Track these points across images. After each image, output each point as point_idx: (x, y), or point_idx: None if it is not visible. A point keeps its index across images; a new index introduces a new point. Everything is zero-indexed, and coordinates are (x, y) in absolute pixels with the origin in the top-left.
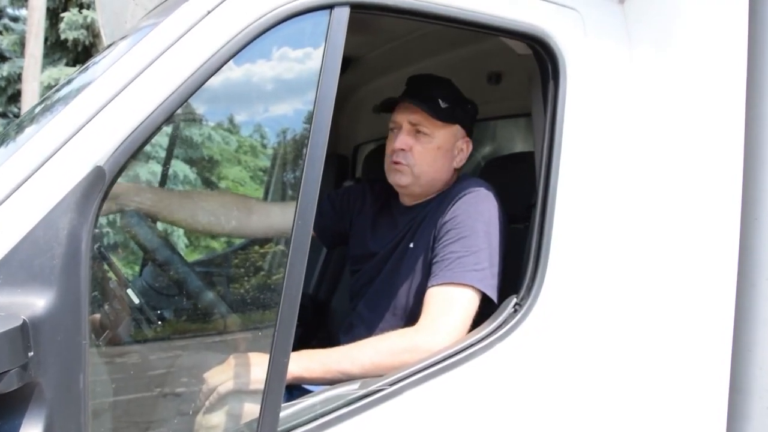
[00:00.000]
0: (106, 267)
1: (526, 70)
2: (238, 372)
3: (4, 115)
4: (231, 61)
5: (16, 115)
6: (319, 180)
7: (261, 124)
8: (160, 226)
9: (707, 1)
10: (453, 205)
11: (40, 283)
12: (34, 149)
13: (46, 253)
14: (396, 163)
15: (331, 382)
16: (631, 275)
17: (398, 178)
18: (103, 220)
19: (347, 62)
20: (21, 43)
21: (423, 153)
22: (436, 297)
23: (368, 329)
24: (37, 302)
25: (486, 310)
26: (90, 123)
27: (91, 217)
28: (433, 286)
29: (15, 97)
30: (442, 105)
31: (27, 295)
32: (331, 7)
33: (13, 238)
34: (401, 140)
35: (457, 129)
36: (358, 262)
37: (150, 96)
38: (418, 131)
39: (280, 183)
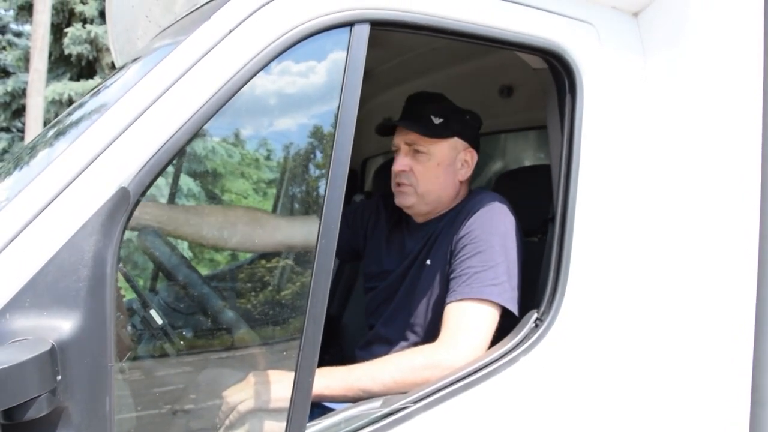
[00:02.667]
0: (128, 287)
1: (539, 83)
2: (258, 390)
3: (7, 129)
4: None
5: (20, 130)
6: (342, 196)
7: (283, 141)
8: (177, 242)
9: (721, 10)
10: (468, 220)
11: (67, 306)
12: (57, 171)
13: (71, 275)
14: (399, 184)
15: (352, 400)
16: (652, 288)
17: (403, 200)
18: (126, 240)
19: None
20: (25, 59)
21: (424, 172)
22: (456, 313)
23: (388, 348)
24: (63, 325)
25: (506, 323)
26: (114, 144)
27: (115, 238)
28: (451, 302)
29: (19, 112)
30: (435, 121)
31: (53, 318)
32: (351, 24)
33: (39, 261)
34: (400, 162)
35: (456, 142)
36: (373, 279)
37: (174, 116)
38: (416, 151)
39: (301, 200)
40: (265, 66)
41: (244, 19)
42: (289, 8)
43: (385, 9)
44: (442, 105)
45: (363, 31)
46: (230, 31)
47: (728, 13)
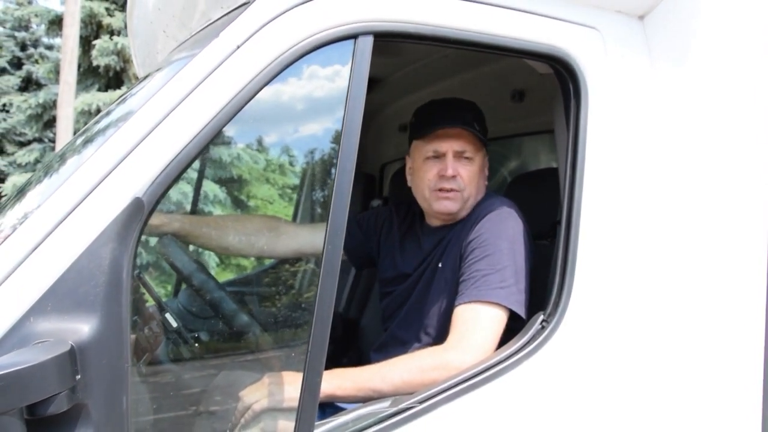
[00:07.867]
0: (145, 292)
1: (549, 88)
2: (272, 390)
3: (39, 140)
4: (261, 91)
5: (52, 140)
6: (348, 204)
7: (291, 152)
8: (193, 249)
9: (728, 14)
10: (477, 224)
11: (86, 310)
12: (76, 184)
13: (90, 281)
14: (446, 190)
15: (363, 400)
16: (658, 290)
17: (449, 206)
18: (142, 247)
19: (372, 83)
20: (56, 71)
21: (470, 177)
22: (464, 315)
23: (402, 349)
24: (82, 328)
25: (514, 325)
26: (128, 157)
27: (131, 246)
28: (460, 304)
29: (50, 123)
30: (477, 127)
31: (74, 321)
32: (355, 36)
33: (60, 268)
34: (453, 167)
35: (484, 149)
36: (389, 284)
37: (185, 128)
38: (462, 157)
39: (310, 207)
40: (272, 79)
41: (252, 35)
42: (294, 23)
43: (388, 21)
44: (479, 112)
45: (367, 43)
46: (237, 47)
47: (736, 14)
